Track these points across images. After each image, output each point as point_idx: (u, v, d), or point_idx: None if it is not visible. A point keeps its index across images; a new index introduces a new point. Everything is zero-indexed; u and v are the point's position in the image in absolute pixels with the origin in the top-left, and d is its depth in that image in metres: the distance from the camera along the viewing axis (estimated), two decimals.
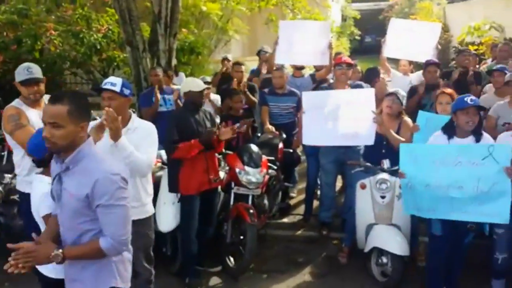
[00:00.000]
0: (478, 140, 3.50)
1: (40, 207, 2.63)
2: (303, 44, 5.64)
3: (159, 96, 5.70)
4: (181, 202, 4.22)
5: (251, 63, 10.83)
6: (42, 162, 2.69)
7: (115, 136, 2.94)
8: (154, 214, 3.64)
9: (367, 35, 24.00)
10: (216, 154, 4.46)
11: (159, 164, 4.49)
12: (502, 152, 3.29)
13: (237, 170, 4.49)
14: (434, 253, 3.82)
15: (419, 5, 18.63)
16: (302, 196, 6.01)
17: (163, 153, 4.39)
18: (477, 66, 6.73)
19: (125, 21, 6.65)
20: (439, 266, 3.79)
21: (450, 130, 3.62)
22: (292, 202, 6.29)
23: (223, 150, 4.56)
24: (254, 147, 4.74)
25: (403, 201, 3.73)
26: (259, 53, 7.54)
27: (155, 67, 6.28)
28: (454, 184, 3.39)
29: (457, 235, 3.69)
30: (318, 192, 5.64)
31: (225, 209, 4.70)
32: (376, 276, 4.22)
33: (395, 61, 6.55)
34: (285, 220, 5.78)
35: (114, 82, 3.16)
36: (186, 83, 4.37)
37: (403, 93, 4.62)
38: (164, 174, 4.41)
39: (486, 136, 3.55)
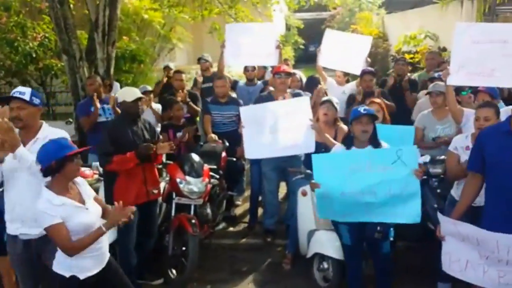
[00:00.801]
0: (376, 148, 3.60)
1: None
2: (250, 46, 5.67)
3: (98, 105, 5.54)
4: None
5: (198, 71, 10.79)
6: (47, 171, 2.78)
7: (12, 147, 2.92)
8: None
9: (311, 44, 24.49)
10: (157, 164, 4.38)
11: (96, 176, 4.36)
12: (410, 155, 3.40)
13: (178, 180, 4.42)
14: (348, 262, 3.90)
15: (359, 15, 19.28)
16: (248, 205, 6.00)
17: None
18: (409, 74, 6.99)
19: (61, 29, 6.46)
20: (354, 275, 3.88)
21: (348, 140, 3.72)
22: (238, 210, 6.28)
23: (163, 160, 4.48)
24: (195, 157, 4.69)
25: (317, 207, 3.71)
26: (199, 61, 7.53)
27: (92, 75, 6.11)
28: (368, 189, 3.44)
29: (368, 244, 3.76)
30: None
31: (167, 220, 4.61)
32: (318, 281, 4.25)
33: (333, 70, 6.71)
34: (231, 228, 5.78)
35: (23, 91, 3.13)
36: (120, 93, 4.27)
37: (337, 100, 4.73)
38: (101, 186, 4.28)
39: (384, 145, 3.66)
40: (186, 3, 10.36)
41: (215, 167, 5.03)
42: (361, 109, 3.60)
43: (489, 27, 4.63)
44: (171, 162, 4.65)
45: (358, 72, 6.16)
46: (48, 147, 2.77)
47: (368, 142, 3.64)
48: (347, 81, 6.72)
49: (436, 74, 5.49)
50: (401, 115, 5.41)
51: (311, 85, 6.28)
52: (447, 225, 2.96)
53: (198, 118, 6.34)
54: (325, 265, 4.13)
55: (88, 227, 2.79)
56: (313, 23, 23.24)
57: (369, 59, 6.45)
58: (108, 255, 3.04)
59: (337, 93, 6.30)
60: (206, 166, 4.73)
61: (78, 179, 2.98)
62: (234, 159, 5.61)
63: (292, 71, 5.63)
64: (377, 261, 3.87)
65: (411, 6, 16.03)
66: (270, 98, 4.99)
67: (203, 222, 4.74)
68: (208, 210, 4.85)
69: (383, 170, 3.40)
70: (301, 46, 21.82)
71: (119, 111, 4.80)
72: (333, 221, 3.95)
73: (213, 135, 5.45)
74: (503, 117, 3.47)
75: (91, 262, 2.88)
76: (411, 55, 11.07)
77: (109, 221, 2.86)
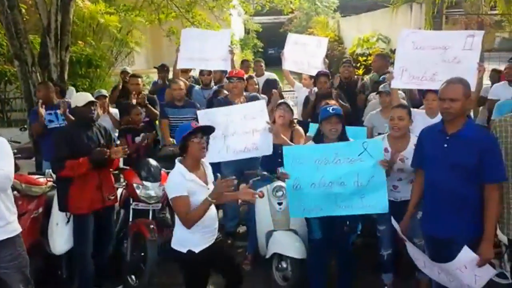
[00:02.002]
0: None
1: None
2: (204, 51, 5.77)
3: (42, 112, 5.32)
4: (73, 221, 4.05)
5: (156, 75, 10.70)
6: (180, 149, 3.14)
7: None
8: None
9: (270, 47, 24.80)
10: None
11: (50, 184, 4.28)
12: (375, 147, 3.55)
13: (134, 185, 4.40)
14: (314, 256, 3.98)
15: (315, 19, 19.66)
16: None
17: None
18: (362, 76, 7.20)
19: (12, 34, 6.29)
20: (320, 269, 3.97)
21: (318, 139, 3.86)
22: None
23: (119, 166, 4.45)
24: (152, 161, 4.67)
25: (290, 205, 3.79)
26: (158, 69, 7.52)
27: (44, 81, 5.98)
28: (337, 180, 3.56)
29: (338, 237, 3.88)
30: None
31: (125, 226, 4.58)
32: (278, 281, 4.30)
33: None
34: None
35: None
36: (72, 99, 4.24)
37: (292, 102, 4.84)
38: (55, 193, 4.20)
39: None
40: (142, 7, 10.27)
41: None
42: (330, 109, 3.72)
43: (430, 34, 4.90)
44: (128, 168, 4.62)
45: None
46: (181, 128, 3.14)
47: (338, 140, 3.75)
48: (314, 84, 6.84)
49: (380, 78, 5.72)
50: (352, 115, 5.58)
51: (269, 88, 6.39)
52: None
53: (157, 122, 6.32)
54: (284, 264, 4.19)
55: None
56: (272, 26, 23.51)
57: (326, 60, 6.61)
58: (216, 234, 3.31)
59: (304, 96, 6.45)
60: (164, 170, 4.72)
61: (206, 163, 3.30)
62: None
63: (248, 74, 5.72)
64: (342, 255, 3.99)
65: (365, 10, 16.49)
66: (226, 102, 5.05)
67: (163, 226, 4.73)
68: (167, 215, 4.84)
69: (350, 162, 3.54)
70: (260, 49, 22.03)
71: (71, 117, 4.75)
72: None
73: (171, 139, 5.45)
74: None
75: (201, 238, 3.16)
76: (364, 58, 11.39)
77: (214, 193, 2.99)
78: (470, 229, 3.01)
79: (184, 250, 3.15)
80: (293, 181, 3.63)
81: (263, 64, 7.75)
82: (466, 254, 2.94)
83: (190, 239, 3.14)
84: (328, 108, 3.74)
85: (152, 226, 4.30)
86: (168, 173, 4.79)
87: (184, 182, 3.01)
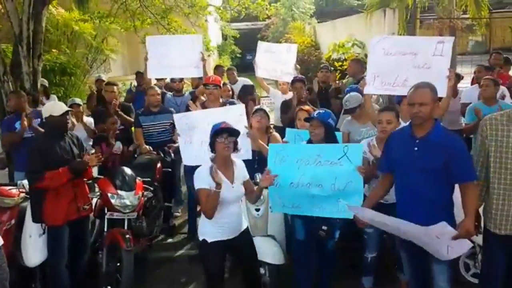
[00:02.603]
0: None
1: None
2: (174, 58, 5.66)
3: (25, 123, 5.22)
4: (47, 233, 3.98)
5: (133, 82, 10.61)
6: (211, 148, 3.48)
7: None
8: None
9: (248, 53, 24.86)
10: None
11: (23, 195, 4.19)
12: (355, 152, 3.56)
13: (109, 194, 4.35)
14: (299, 257, 3.99)
15: (291, 25, 19.80)
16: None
17: (25, 182, 4.11)
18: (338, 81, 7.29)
19: None
20: (306, 270, 3.97)
21: (307, 142, 3.92)
22: (177, 221, 6.25)
23: (93, 175, 4.39)
24: (126, 170, 4.63)
25: (270, 199, 3.85)
26: (137, 74, 7.49)
27: (14, 90, 5.87)
28: (315, 182, 3.59)
29: (317, 240, 3.90)
30: None
31: (100, 236, 4.52)
32: None
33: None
34: (170, 240, 5.73)
35: None
36: (47, 108, 4.14)
37: (268, 108, 4.86)
38: (28, 204, 4.12)
39: None
40: (117, 14, 10.17)
41: (149, 179, 4.98)
42: (315, 113, 3.80)
43: (401, 40, 4.95)
44: (102, 177, 4.57)
45: (289, 80, 6.37)
46: (213, 127, 3.44)
47: (324, 143, 3.78)
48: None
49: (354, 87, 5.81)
50: None
51: (245, 93, 6.41)
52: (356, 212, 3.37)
53: (133, 129, 6.27)
54: (262, 270, 4.16)
55: (224, 200, 3.36)
56: (249, 32, 23.57)
57: (298, 66, 6.66)
58: (241, 229, 3.61)
59: (281, 102, 6.50)
60: (139, 179, 4.68)
61: (238, 162, 3.58)
62: (170, 169, 5.59)
63: (222, 81, 5.72)
64: (323, 256, 4.01)
65: (341, 16, 16.69)
66: (202, 108, 5.04)
67: (139, 235, 4.69)
68: (144, 223, 4.80)
69: (330, 165, 3.56)
70: (238, 55, 22.06)
71: (39, 129, 4.68)
72: (291, 217, 4.13)
73: (147, 147, 5.42)
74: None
75: (215, 231, 3.45)
76: (340, 63, 11.51)
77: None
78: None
79: (201, 238, 3.52)
80: (274, 179, 3.66)
81: (235, 72, 7.87)
82: (443, 227, 2.95)
83: (205, 229, 3.51)
84: (314, 112, 3.83)
85: (127, 235, 4.24)
86: (143, 181, 4.82)
87: (208, 176, 3.27)
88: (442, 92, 4.28)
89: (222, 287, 3.62)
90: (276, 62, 6.49)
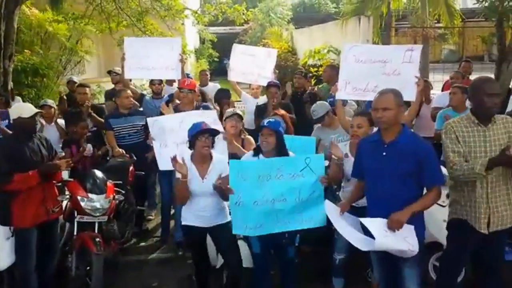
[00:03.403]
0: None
1: None
2: (152, 59, 5.64)
3: None
4: (15, 236, 3.90)
5: (108, 84, 10.48)
6: (190, 145, 3.77)
7: None
8: None
9: (226, 58, 24.88)
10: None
11: None
12: (317, 163, 3.58)
13: (79, 197, 4.29)
14: (257, 270, 4.02)
15: (269, 30, 19.92)
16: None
17: None
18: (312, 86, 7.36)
19: None
20: (265, 280, 4.03)
21: (257, 150, 3.89)
22: (150, 224, 6.21)
23: (63, 178, 4.33)
24: (98, 173, 4.58)
25: (232, 221, 3.73)
26: (109, 73, 7.41)
27: None
28: (278, 197, 3.56)
29: (277, 250, 3.95)
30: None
31: (70, 240, 4.45)
32: None
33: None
34: (142, 244, 5.68)
35: None
36: (15, 109, 4.07)
37: (240, 112, 4.89)
38: None
39: (291, 155, 3.82)
40: (92, 16, 10.05)
41: (120, 182, 4.93)
42: (265, 121, 3.77)
43: (371, 49, 5.11)
44: (72, 180, 4.50)
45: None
46: (193, 126, 3.68)
47: (274, 152, 3.77)
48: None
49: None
50: (302, 126, 5.69)
51: (222, 97, 6.43)
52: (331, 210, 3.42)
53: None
54: None
55: (193, 193, 3.71)
56: (227, 37, 23.58)
57: (276, 71, 6.70)
58: (216, 222, 3.83)
59: (252, 106, 6.51)
60: (110, 182, 4.63)
61: (217, 159, 3.78)
62: (143, 172, 5.55)
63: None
64: (283, 265, 4.06)
65: (319, 22, 16.88)
66: (176, 111, 5.03)
67: (110, 239, 4.64)
68: (115, 227, 4.75)
69: (292, 178, 3.54)
70: (216, 59, 22.06)
71: (7, 130, 4.60)
72: None
73: (119, 150, 5.37)
74: None
75: (193, 218, 3.81)
76: (316, 69, 11.63)
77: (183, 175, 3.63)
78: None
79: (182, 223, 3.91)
80: (236, 198, 3.57)
81: (208, 73, 8.05)
82: (371, 222, 3.07)
83: (184, 214, 3.88)
84: (265, 121, 3.81)
85: (98, 239, 4.19)
86: (115, 184, 4.77)
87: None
88: (412, 97, 4.40)
89: (205, 271, 4.04)
90: (254, 66, 6.50)
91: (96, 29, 10.53)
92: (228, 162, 3.66)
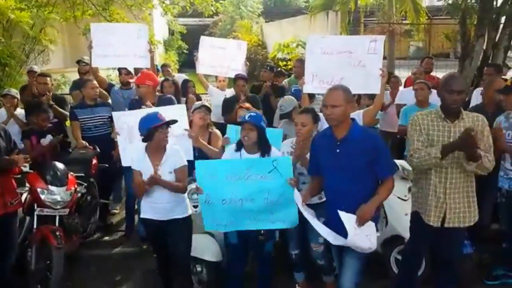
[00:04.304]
0: (263, 155, 3.74)
1: None
2: (119, 47, 5.52)
3: None
4: None
5: (74, 74, 10.20)
6: (145, 139, 3.69)
7: None
8: None
9: (195, 50, 24.58)
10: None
11: None
12: (284, 165, 3.54)
13: (39, 190, 4.18)
14: (233, 261, 4.01)
15: (239, 23, 19.84)
16: None
17: None
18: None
19: None
20: (238, 273, 4.00)
21: (239, 144, 3.85)
22: (115, 218, 6.12)
23: (23, 169, 4.19)
24: (59, 164, 4.46)
25: (203, 218, 3.74)
26: (78, 63, 7.22)
27: None
28: (247, 197, 3.55)
29: (253, 244, 3.92)
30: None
31: (29, 233, 4.32)
32: (194, 285, 4.29)
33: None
34: (106, 238, 5.60)
35: None
36: None
37: (208, 105, 4.85)
38: None
39: (274, 151, 3.81)
40: (56, 4, 9.75)
41: (82, 174, 4.83)
42: (246, 116, 3.72)
43: (337, 39, 5.11)
44: (32, 171, 4.37)
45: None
46: (141, 120, 3.66)
47: (256, 147, 3.75)
48: None
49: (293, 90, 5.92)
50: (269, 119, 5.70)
51: (184, 88, 6.37)
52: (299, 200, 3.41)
53: (68, 123, 6.05)
54: (199, 268, 4.17)
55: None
56: (197, 29, 23.33)
57: (247, 63, 6.67)
58: (171, 215, 3.77)
59: (219, 99, 6.47)
60: (72, 174, 4.52)
61: (170, 151, 3.74)
62: (107, 165, 5.45)
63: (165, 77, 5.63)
64: (260, 259, 4.04)
65: (289, 16, 16.92)
66: (138, 103, 4.95)
67: (71, 233, 4.55)
68: (77, 220, 4.66)
69: (260, 179, 3.52)
70: (185, 51, 21.82)
71: None
72: None
73: (83, 142, 5.26)
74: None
75: (150, 210, 3.79)
76: (284, 62, 11.65)
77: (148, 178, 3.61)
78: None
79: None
80: (205, 196, 3.59)
81: (170, 68, 8.09)
82: (345, 217, 3.10)
83: (142, 207, 3.88)
84: (245, 115, 3.76)
85: (58, 233, 4.09)
86: (77, 177, 4.67)
87: (139, 161, 3.69)
88: (376, 89, 4.45)
89: (166, 265, 3.99)
90: (224, 58, 6.45)
91: (60, 17, 10.21)
92: (194, 162, 3.65)
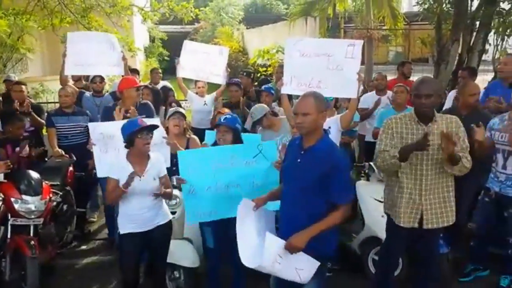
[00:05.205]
0: None
1: None
2: (94, 55, 5.54)
3: None
4: None
5: (52, 83, 10.10)
6: (127, 145, 3.59)
7: None
8: None
9: (176, 56, 24.56)
10: None
11: None
12: (270, 149, 3.65)
13: (12, 199, 4.12)
14: (210, 268, 4.00)
15: (220, 30, 19.89)
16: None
17: None
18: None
19: None
20: (216, 275, 3.99)
21: (214, 146, 3.88)
22: (93, 226, 6.04)
23: None
24: (32, 173, 4.40)
25: (186, 211, 3.76)
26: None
27: None
28: (233, 183, 3.61)
29: (231, 249, 3.76)
30: None
31: (3, 243, 4.24)
32: None
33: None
34: (83, 247, 5.52)
35: None
36: None
37: (183, 111, 4.84)
38: None
39: None
40: (34, 12, 9.65)
41: (58, 183, 4.77)
42: (222, 118, 3.77)
43: (315, 42, 5.13)
44: (5, 181, 4.30)
45: (220, 82, 6.41)
46: (123, 127, 3.59)
47: None
48: None
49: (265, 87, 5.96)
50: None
51: (165, 95, 6.34)
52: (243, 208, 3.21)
53: (44, 131, 5.98)
54: (177, 274, 4.14)
55: (131, 192, 3.49)
56: (178, 36, 23.32)
57: (229, 69, 6.69)
58: (155, 222, 3.67)
59: (198, 104, 6.47)
60: (47, 183, 4.47)
61: (154, 158, 3.67)
62: (83, 173, 5.39)
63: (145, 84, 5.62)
64: (235, 267, 3.95)
65: (270, 23, 17.01)
66: (112, 110, 4.91)
67: (47, 242, 4.48)
68: (52, 229, 4.60)
69: (246, 164, 3.59)
70: (166, 58, 21.77)
71: None
72: (200, 225, 4.05)
73: (59, 150, 5.21)
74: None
75: (131, 223, 3.61)
76: (264, 68, 11.70)
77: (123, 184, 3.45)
78: (316, 246, 2.87)
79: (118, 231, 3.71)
80: (189, 186, 3.61)
81: (160, 72, 8.01)
82: (270, 241, 2.85)
83: (120, 221, 3.67)
84: (221, 118, 3.80)
85: (32, 242, 4.04)
86: (52, 186, 4.61)
87: (115, 168, 3.55)
88: (353, 94, 4.50)
89: (134, 280, 3.74)
90: (206, 63, 6.43)
91: (38, 25, 10.11)
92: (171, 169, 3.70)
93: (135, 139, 3.53)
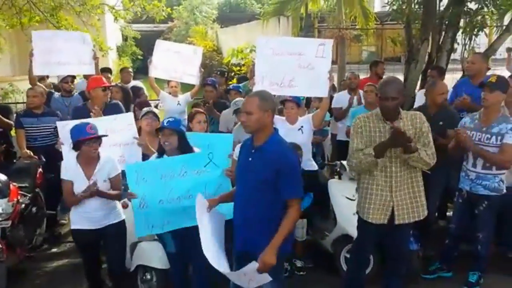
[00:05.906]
0: None
1: None
2: (64, 54, 5.47)
3: None
4: None
5: (22, 83, 9.87)
6: (74, 148, 3.64)
7: None
8: None
9: (150, 56, 24.30)
10: None
11: None
12: (220, 156, 3.59)
13: None
14: (173, 268, 3.92)
15: (194, 29, 19.80)
16: None
17: None
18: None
19: None
20: (182, 280, 3.92)
21: (161, 149, 3.72)
22: (64, 229, 5.92)
23: None
24: None
25: (135, 225, 3.59)
26: None
27: None
28: (185, 194, 3.50)
29: (191, 252, 3.73)
30: None
31: None
32: None
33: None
34: (54, 249, 5.42)
35: None
36: None
37: (157, 111, 4.80)
38: None
39: (196, 151, 3.73)
40: (2, 10, 9.41)
41: (26, 185, 4.67)
42: (165, 121, 3.62)
43: (287, 41, 5.15)
44: None
45: (193, 82, 6.38)
46: (71, 130, 3.65)
47: (178, 151, 3.64)
48: None
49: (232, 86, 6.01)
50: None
51: (134, 95, 6.28)
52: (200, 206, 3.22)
53: (13, 133, 5.85)
54: (148, 276, 4.11)
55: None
56: (151, 34, 23.12)
57: (202, 69, 6.65)
58: (106, 222, 3.79)
59: (171, 104, 6.41)
60: (14, 185, 4.37)
61: (104, 160, 3.73)
62: (52, 174, 5.29)
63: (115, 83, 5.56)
64: (196, 270, 3.89)
65: (244, 22, 17.01)
66: (84, 110, 4.85)
67: (15, 245, 4.38)
68: (21, 232, 4.49)
69: (197, 174, 3.50)
70: (139, 57, 21.55)
71: None
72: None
73: (27, 151, 5.11)
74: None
75: (83, 220, 3.75)
76: (238, 68, 11.69)
77: (85, 192, 3.60)
78: (265, 244, 2.90)
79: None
80: (139, 200, 3.47)
81: (131, 71, 8.04)
82: (252, 267, 2.87)
83: (73, 218, 3.81)
84: (164, 121, 3.66)
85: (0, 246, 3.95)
86: (19, 187, 4.51)
87: (67, 169, 3.68)
88: (324, 92, 4.55)
89: (98, 276, 4.04)
90: (179, 63, 6.36)
91: (6, 24, 9.87)
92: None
93: (81, 146, 3.60)
